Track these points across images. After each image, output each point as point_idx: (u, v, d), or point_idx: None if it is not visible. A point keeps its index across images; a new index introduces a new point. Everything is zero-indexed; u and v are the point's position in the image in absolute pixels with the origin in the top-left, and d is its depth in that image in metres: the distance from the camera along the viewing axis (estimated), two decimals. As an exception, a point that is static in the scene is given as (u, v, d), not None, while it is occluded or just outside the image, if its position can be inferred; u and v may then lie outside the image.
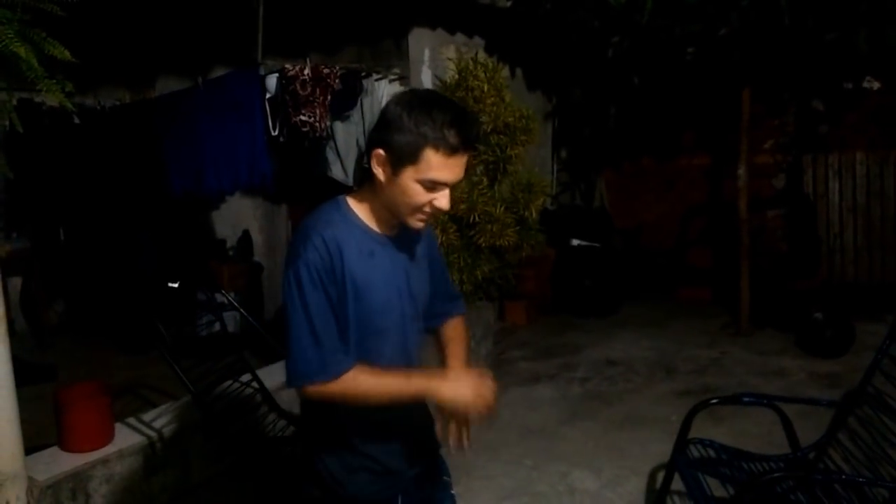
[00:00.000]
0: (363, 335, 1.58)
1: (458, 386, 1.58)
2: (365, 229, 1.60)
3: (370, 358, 1.59)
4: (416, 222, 1.56)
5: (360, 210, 1.61)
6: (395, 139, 1.47)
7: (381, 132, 1.51)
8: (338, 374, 1.53)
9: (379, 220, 1.61)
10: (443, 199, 1.51)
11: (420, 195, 1.50)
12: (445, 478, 1.87)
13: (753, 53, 5.30)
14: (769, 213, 6.77)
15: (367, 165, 1.57)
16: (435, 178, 1.48)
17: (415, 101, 1.50)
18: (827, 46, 5.09)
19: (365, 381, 1.55)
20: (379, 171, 1.53)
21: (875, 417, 2.48)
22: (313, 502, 1.70)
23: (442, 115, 1.46)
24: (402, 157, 1.48)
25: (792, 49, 5.30)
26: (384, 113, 1.52)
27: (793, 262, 6.52)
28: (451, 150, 1.46)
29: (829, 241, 6.44)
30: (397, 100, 1.53)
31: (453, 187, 1.54)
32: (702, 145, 7.11)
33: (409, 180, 1.49)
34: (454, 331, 1.86)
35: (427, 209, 1.52)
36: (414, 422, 1.73)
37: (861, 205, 6.37)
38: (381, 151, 1.51)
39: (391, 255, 1.62)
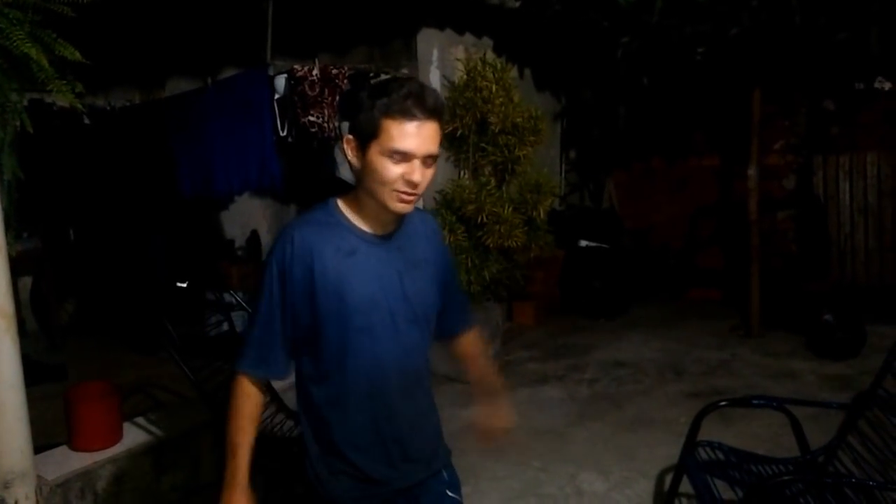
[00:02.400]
0: (345, 331, 1.58)
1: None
2: (350, 228, 1.61)
3: (353, 354, 1.58)
4: (396, 203, 1.54)
5: (348, 210, 1.62)
6: (357, 119, 1.52)
7: (349, 120, 1.58)
8: (237, 369, 1.62)
9: (368, 220, 1.61)
10: (414, 173, 1.50)
11: (389, 169, 1.50)
12: (451, 493, 1.78)
13: (764, 53, 5.27)
14: (780, 214, 6.74)
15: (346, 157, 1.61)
16: (397, 147, 1.48)
17: (374, 84, 1.57)
18: (838, 46, 5.06)
19: (238, 399, 1.63)
20: (353, 158, 1.57)
21: (886, 420, 2.46)
22: (298, 500, 1.72)
23: (397, 87, 1.50)
24: (366, 134, 1.51)
25: (803, 49, 5.27)
26: (350, 101, 1.55)
27: (803, 264, 6.49)
28: (408, 116, 1.47)
29: (840, 243, 6.39)
30: (361, 88, 1.58)
31: (427, 162, 1.52)
32: (712, 146, 7.08)
33: (376, 155, 1.50)
34: (474, 347, 1.95)
35: (401, 185, 1.51)
36: (403, 432, 1.67)
37: (872, 206, 6.31)
38: (349, 136, 1.56)
39: (379, 255, 1.61)
